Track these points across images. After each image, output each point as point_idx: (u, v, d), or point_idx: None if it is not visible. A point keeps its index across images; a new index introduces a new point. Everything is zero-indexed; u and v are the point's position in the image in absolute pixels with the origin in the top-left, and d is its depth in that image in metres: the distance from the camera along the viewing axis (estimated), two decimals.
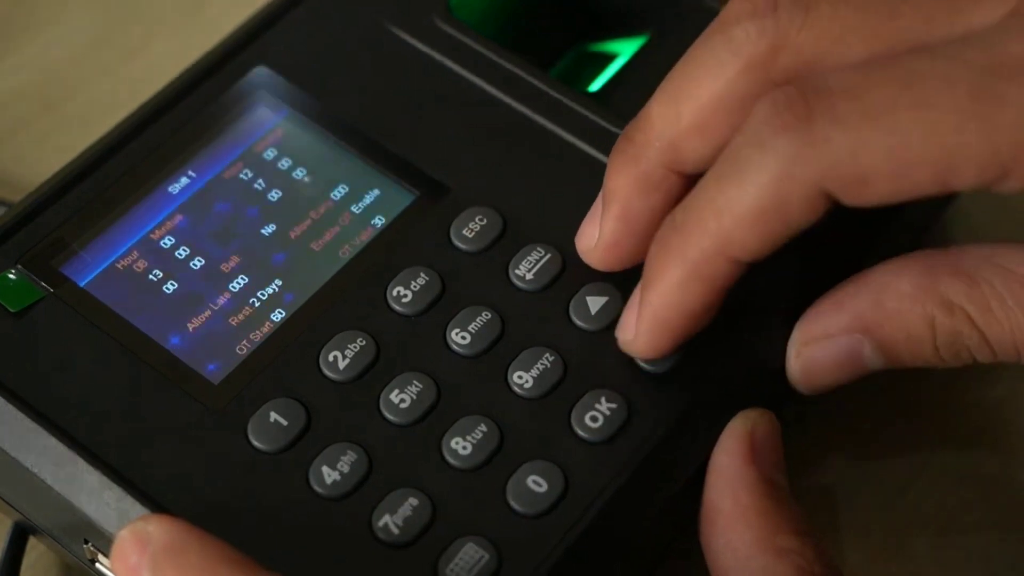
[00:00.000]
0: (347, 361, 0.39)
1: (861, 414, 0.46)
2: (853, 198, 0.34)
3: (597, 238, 0.39)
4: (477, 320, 0.40)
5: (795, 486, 0.39)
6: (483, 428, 0.38)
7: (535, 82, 0.45)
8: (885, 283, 0.38)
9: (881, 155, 0.33)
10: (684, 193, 0.38)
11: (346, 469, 0.38)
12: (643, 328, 0.38)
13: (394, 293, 0.40)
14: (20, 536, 0.42)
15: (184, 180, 0.42)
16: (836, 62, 0.36)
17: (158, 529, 0.33)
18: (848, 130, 0.33)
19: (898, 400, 0.46)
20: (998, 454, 0.45)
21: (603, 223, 0.39)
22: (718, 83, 0.37)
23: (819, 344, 0.39)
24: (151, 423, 0.38)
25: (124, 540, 0.33)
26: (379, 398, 0.39)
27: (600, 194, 0.39)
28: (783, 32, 0.36)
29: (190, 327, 0.40)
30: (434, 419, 0.39)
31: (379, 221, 0.42)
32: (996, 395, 0.46)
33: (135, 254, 0.41)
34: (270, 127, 0.44)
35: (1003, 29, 0.34)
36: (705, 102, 0.37)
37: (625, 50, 0.48)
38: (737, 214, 0.35)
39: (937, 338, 0.37)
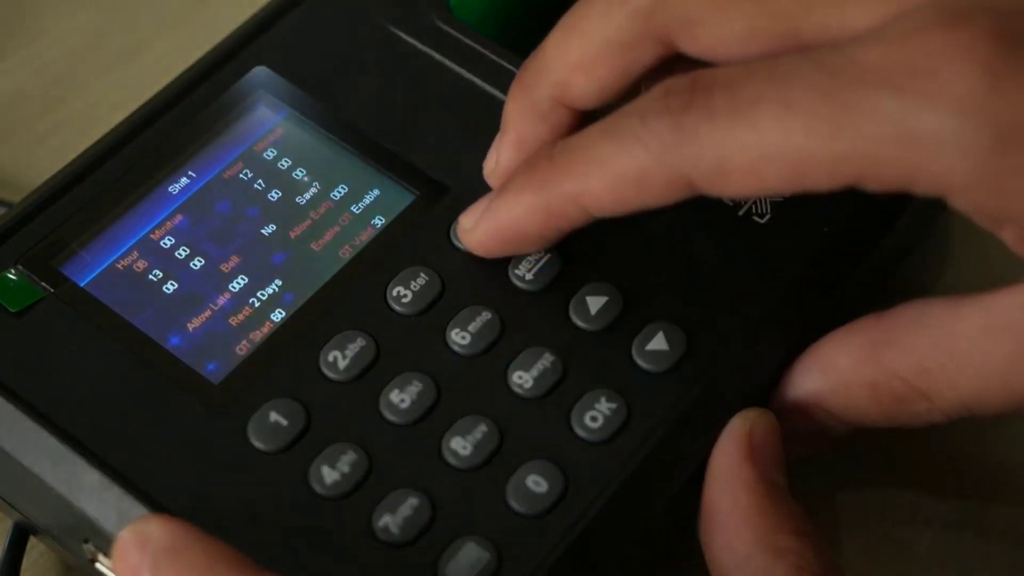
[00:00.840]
0: (347, 361, 0.39)
1: None
2: (713, 189, 0.35)
3: (495, 163, 0.41)
4: (477, 320, 0.40)
5: (795, 485, 0.39)
6: (483, 428, 0.38)
7: None
8: (829, 359, 0.39)
9: (738, 150, 0.34)
10: (575, 126, 0.39)
11: (346, 469, 0.38)
12: (481, 227, 0.40)
13: (394, 293, 0.40)
14: (20, 536, 0.42)
15: (184, 180, 0.42)
16: (717, 27, 0.37)
17: (159, 529, 0.33)
18: (716, 124, 0.35)
19: None
20: (998, 455, 0.45)
21: (500, 149, 0.41)
22: (605, 26, 0.38)
23: (787, 420, 0.40)
24: (151, 423, 0.38)
25: (124, 540, 0.34)
26: (379, 398, 0.39)
27: (512, 178, 0.40)
28: None
29: (190, 327, 0.40)
30: (434, 419, 0.39)
31: (379, 221, 0.42)
32: None
33: (135, 254, 0.41)
34: (270, 127, 0.44)
35: (872, 35, 0.34)
36: (591, 42, 0.38)
37: None
38: (603, 175, 0.36)
39: (882, 405, 0.38)
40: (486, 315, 0.40)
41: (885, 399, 0.38)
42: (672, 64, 0.38)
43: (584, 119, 0.39)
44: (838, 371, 0.39)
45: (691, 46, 0.37)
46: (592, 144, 0.37)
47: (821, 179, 0.34)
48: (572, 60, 0.39)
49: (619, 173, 0.36)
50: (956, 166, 0.33)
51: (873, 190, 0.34)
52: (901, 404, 0.38)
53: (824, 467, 0.45)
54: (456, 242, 0.41)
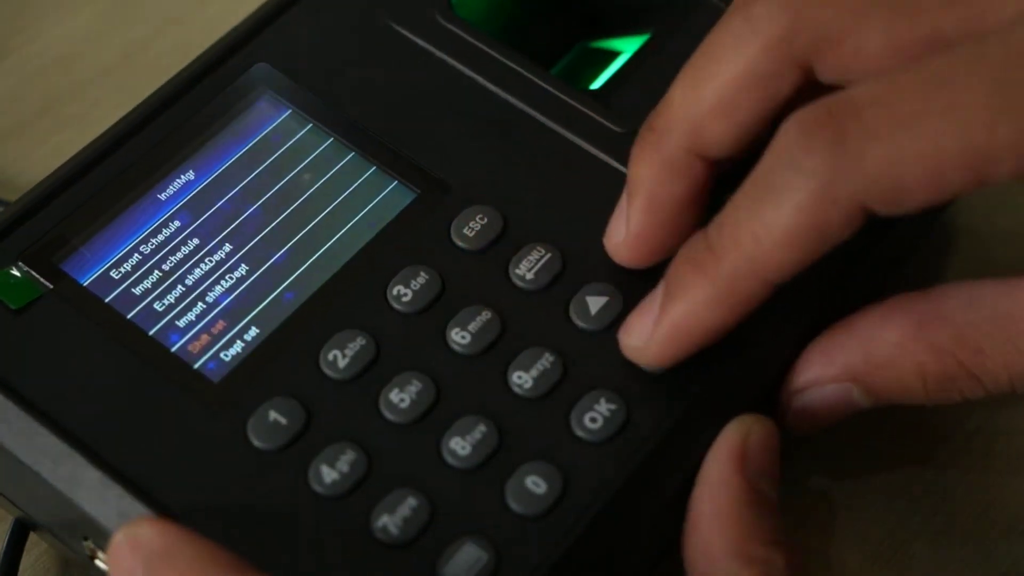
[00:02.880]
0: (347, 360, 0.39)
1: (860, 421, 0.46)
2: (892, 208, 0.34)
3: (624, 232, 0.39)
4: (477, 320, 0.40)
5: (794, 488, 0.39)
6: (482, 428, 0.38)
7: (536, 80, 0.45)
8: (871, 334, 0.38)
9: (917, 163, 0.33)
10: (710, 180, 0.38)
11: (345, 469, 0.37)
12: (659, 339, 0.38)
13: (394, 292, 0.40)
14: (20, 532, 0.42)
15: (185, 178, 0.42)
16: (857, 42, 0.35)
17: (150, 532, 0.33)
18: (882, 142, 0.33)
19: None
20: (998, 459, 0.45)
21: (630, 215, 0.39)
22: (740, 62, 0.37)
23: (809, 392, 0.39)
24: (151, 421, 0.38)
25: (118, 544, 0.34)
26: (379, 397, 0.39)
27: (625, 188, 0.39)
28: (803, 8, 0.36)
29: (190, 325, 0.40)
30: (433, 419, 0.39)
31: (379, 220, 0.42)
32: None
33: (136, 251, 0.41)
34: (271, 124, 0.44)
35: (1020, 21, 0.33)
36: (727, 80, 0.37)
37: (627, 48, 0.48)
38: (776, 237, 0.35)
39: (928, 383, 0.38)
40: (486, 315, 0.40)
41: (932, 377, 0.38)
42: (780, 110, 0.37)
43: (717, 170, 0.38)
44: (883, 346, 0.38)
45: (830, 67, 0.36)
46: (749, 212, 0.35)
47: (1007, 171, 0.33)
48: (706, 104, 0.37)
49: (794, 229, 0.34)
50: None
51: None
52: (948, 382, 0.38)
53: (823, 470, 0.45)
54: (457, 241, 0.41)
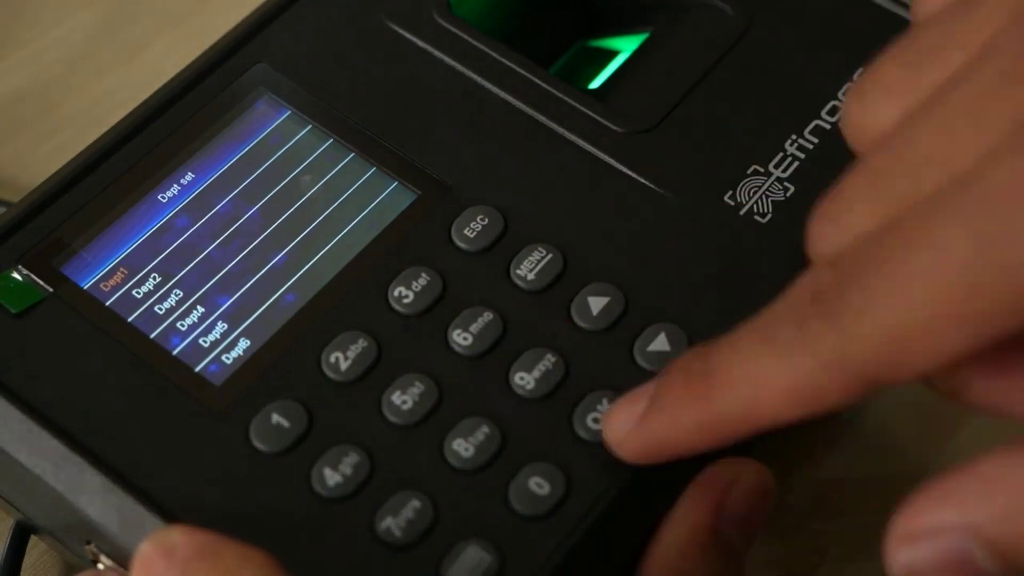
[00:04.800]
0: (348, 362, 0.39)
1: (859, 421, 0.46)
2: (896, 374, 0.31)
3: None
4: (479, 320, 0.40)
5: (795, 488, 0.39)
6: (485, 429, 0.38)
7: (535, 79, 0.45)
8: (999, 475, 0.31)
9: (906, 324, 0.30)
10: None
11: (348, 471, 0.37)
12: (636, 443, 0.36)
13: (395, 293, 0.40)
14: (21, 535, 0.42)
15: (184, 180, 0.42)
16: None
17: (183, 537, 0.33)
18: (876, 310, 0.31)
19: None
20: None
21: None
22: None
23: (921, 544, 0.32)
24: (152, 425, 0.38)
25: (147, 553, 0.33)
26: (381, 399, 0.39)
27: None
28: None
29: (191, 328, 0.40)
30: (436, 420, 0.39)
31: (380, 221, 0.42)
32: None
33: (136, 254, 0.41)
34: (271, 125, 0.44)
35: (986, 158, 0.30)
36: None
37: (626, 47, 0.48)
38: (774, 391, 0.32)
39: None
40: (487, 316, 0.40)
41: None
42: None
43: None
44: (1018, 491, 0.31)
45: None
46: (751, 357, 0.33)
47: (1007, 327, 0.29)
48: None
49: (789, 390, 0.32)
50: None
51: None
52: None
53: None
54: (458, 242, 0.41)
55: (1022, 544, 0.30)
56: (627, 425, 0.36)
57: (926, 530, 0.31)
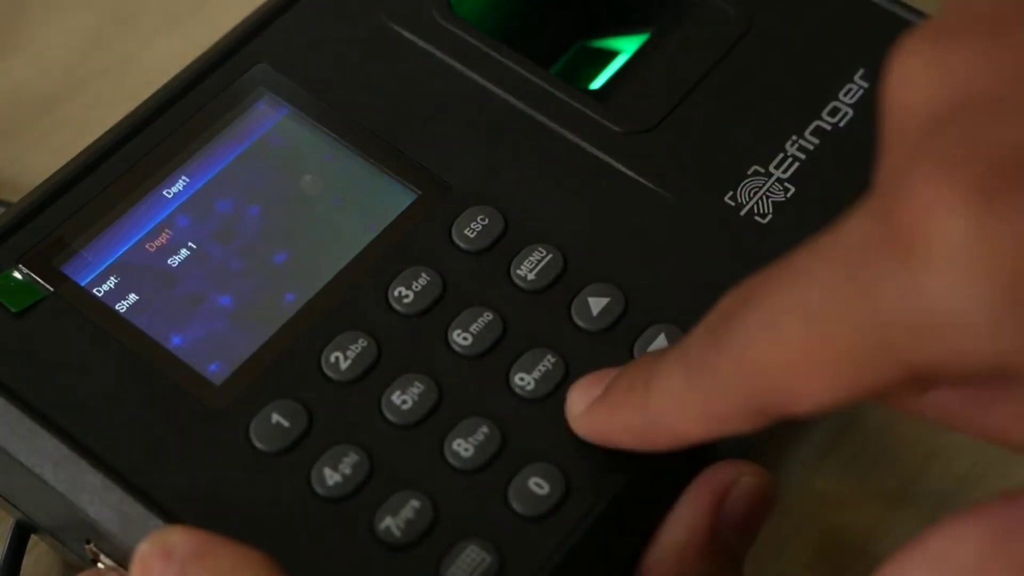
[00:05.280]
0: (348, 362, 0.39)
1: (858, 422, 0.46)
2: (785, 410, 0.31)
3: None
4: (479, 321, 0.40)
5: (792, 487, 0.39)
6: (485, 430, 0.38)
7: (536, 80, 0.45)
8: (946, 551, 0.30)
9: (783, 370, 0.30)
10: None
11: (348, 471, 0.37)
12: (583, 425, 0.38)
13: (395, 293, 0.40)
14: (22, 534, 0.42)
15: (184, 179, 0.42)
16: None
17: (182, 538, 0.33)
18: (753, 347, 0.31)
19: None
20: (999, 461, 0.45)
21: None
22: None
23: None
24: (152, 424, 0.38)
25: (145, 553, 0.33)
26: (381, 399, 0.39)
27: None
28: None
29: (191, 327, 0.40)
30: (436, 420, 0.39)
31: (380, 220, 0.42)
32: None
33: (136, 253, 0.41)
34: (271, 125, 0.44)
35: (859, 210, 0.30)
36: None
37: (626, 47, 0.48)
38: (685, 410, 0.34)
39: None
40: (488, 316, 0.40)
41: None
42: None
43: None
44: (961, 568, 0.30)
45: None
46: (670, 377, 0.34)
47: (874, 380, 0.29)
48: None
49: (696, 410, 0.33)
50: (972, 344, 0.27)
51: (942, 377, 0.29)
52: None
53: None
54: (458, 242, 0.41)
55: None
56: (580, 406, 0.38)
57: None
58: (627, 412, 0.36)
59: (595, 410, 0.37)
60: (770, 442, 0.45)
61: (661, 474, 0.39)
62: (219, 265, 0.41)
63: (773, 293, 0.30)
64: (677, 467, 0.39)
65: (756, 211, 0.42)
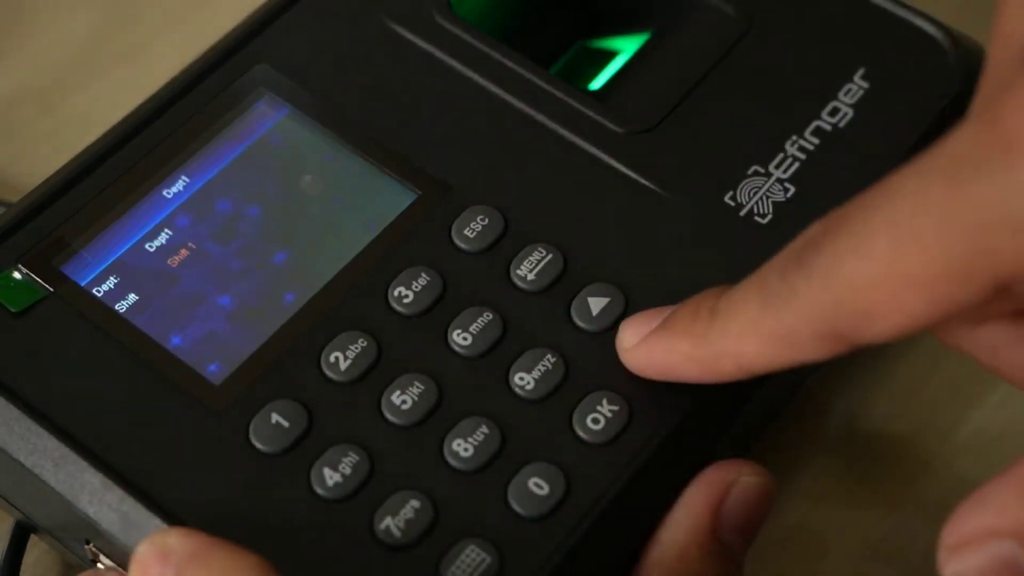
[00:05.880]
0: (348, 362, 0.39)
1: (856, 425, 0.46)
2: (863, 335, 0.32)
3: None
4: (478, 321, 0.40)
5: (793, 485, 0.39)
6: (484, 430, 0.38)
7: (536, 80, 0.45)
8: None
9: (868, 286, 0.31)
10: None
11: (348, 471, 0.37)
12: (637, 355, 0.38)
13: (395, 293, 0.40)
14: (21, 534, 0.42)
15: (184, 179, 0.42)
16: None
17: (179, 540, 0.33)
18: (843, 264, 0.32)
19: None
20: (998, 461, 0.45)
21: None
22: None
23: (968, 551, 0.32)
24: (152, 424, 0.38)
25: (144, 554, 0.33)
26: (380, 399, 0.39)
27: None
28: None
29: (191, 327, 0.40)
30: (435, 421, 0.39)
31: (380, 221, 0.42)
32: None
33: (136, 253, 0.41)
34: (271, 125, 0.44)
35: (954, 132, 0.31)
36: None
37: (627, 47, 0.48)
38: (756, 335, 0.34)
39: None
40: (488, 316, 0.40)
41: None
42: None
43: None
44: None
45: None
46: (745, 303, 0.35)
47: (958, 293, 0.30)
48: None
49: (769, 334, 0.34)
50: None
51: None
52: None
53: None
54: (458, 242, 0.41)
55: None
56: (636, 337, 0.38)
57: (970, 538, 0.32)
58: (690, 341, 0.36)
59: (653, 340, 0.38)
60: (770, 442, 0.45)
61: (661, 475, 0.39)
62: (219, 265, 0.41)
63: (864, 214, 0.31)
64: (679, 468, 0.39)
65: (756, 211, 0.42)
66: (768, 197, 0.43)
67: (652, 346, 0.38)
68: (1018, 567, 0.31)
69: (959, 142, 0.30)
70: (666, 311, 0.38)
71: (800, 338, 0.33)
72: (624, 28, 0.49)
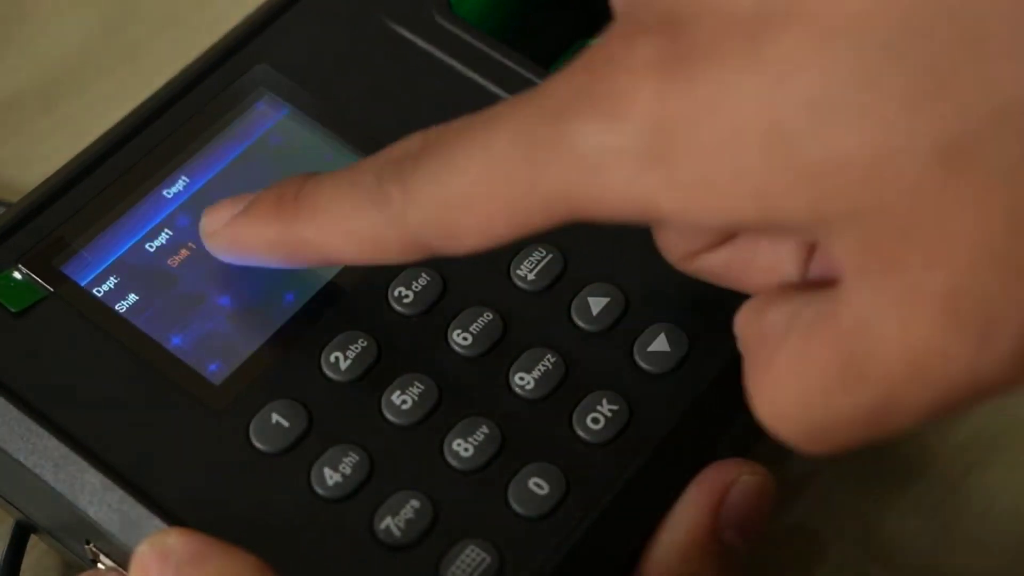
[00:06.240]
0: (348, 362, 0.39)
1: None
2: (449, 250, 0.34)
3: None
4: (479, 321, 0.40)
5: (791, 486, 0.39)
6: (485, 430, 0.38)
7: (536, 79, 0.45)
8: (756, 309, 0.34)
9: (457, 207, 0.33)
10: None
11: (348, 471, 0.38)
12: (221, 240, 0.38)
13: (396, 293, 0.40)
14: (21, 534, 0.42)
15: (184, 179, 0.42)
16: None
17: (179, 541, 0.34)
18: (433, 185, 0.33)
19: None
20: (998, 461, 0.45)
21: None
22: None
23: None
24: (152, 424, 0.38)
25: (144, 555, 0.34)
26: (381, 399, 0.39)
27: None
28: None
29: (191, 327, 0.40)
30: (436, 420, 0.39)
31: None
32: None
33: (136, 253, 0.41)
34: (271, 125, 0.44)
35: (563, 68, 0.32)
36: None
37: None
38: (342, 230, 0.35)
39: None
40: (488, 316, 0.40)
41: None
42: None
43: None
44: None
45: None
46: (337, 196, 0.35)
47: (539, 222, 0.32)
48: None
49: (356, 233, 0.35)
50: (645, 178, 0.30)
51: (595, 220, 0.32)
52: None
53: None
54: None
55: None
56: (220, 222, 0.38)
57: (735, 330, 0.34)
58: (276, 228, 0.37)
59: (238, 223, 0.38)
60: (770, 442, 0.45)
61: (661, 474, 0.39)
62: (219, 265, 0.41)
63: (462, 136, 0.33)
64: (677, 468, 0.39)
65: None
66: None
67: (237, 230, 0.38)
68: None
69: (559, 83, 0.31)
70: (246, 197, 0.38)
71: (386, 244, 0.34)
72: None
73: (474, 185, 0.32)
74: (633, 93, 0.29)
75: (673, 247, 0.37)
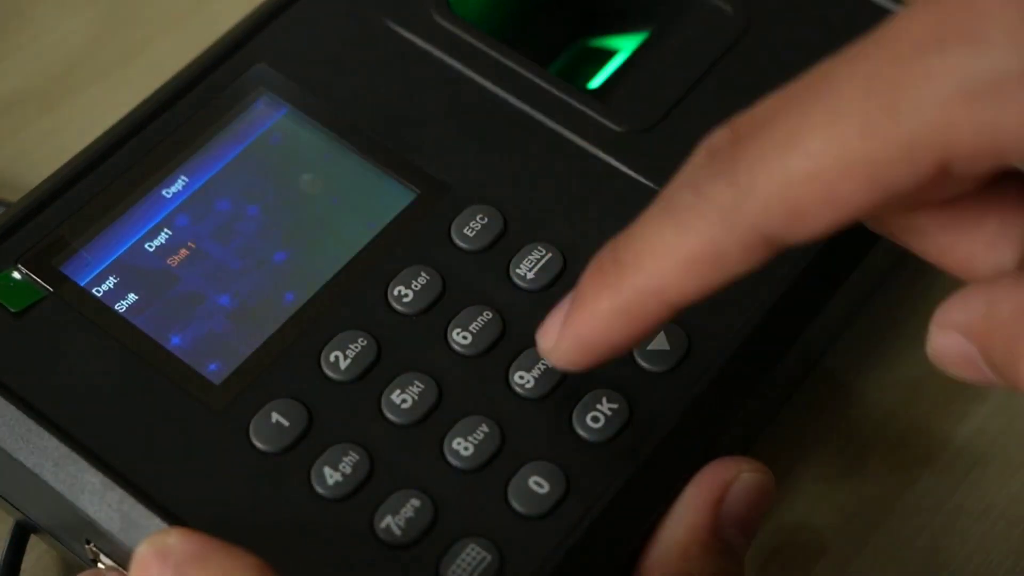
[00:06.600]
0: (348, 361, 0.39)
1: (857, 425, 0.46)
2: (795, 235, 0.32)
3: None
4: (478, 320, 0.40)
5: (791, 484, 0.39)
6: (484, 428, 0.38)
7: (535, 79, 0.45)
8: (1002, 292, 0.32)
9: (803, 182, 0.31)
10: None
11: (348, 470, 0.37)
12: (564, 345, 0.36)
13: (395, 292, 0.40)
14: (21, 535, 0.42)
15: (184, 178, 0.42)
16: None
17: (179, 540, 0.33)
18: (770, 165, 0.31)
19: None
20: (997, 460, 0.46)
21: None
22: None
23: (944, 334, 0.33)
24: (152, 424, 0.38)
25: (144, 554, 0.33)
26: (380, 398, 0.39)
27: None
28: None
29: (191, 327, 0.40)
30: (435, 419, 0.39)
31: (379, 220, 0.42)
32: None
33: (135, 253, 0.41)
34: (270, 125, 0.44)
35: (888, 20, 0.31)
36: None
37: (625, 46, 0.48)
38: (676, 261, 0.33)
39: None
40: (487, 315, 0.40)
41: None
42: None
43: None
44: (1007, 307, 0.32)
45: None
46: (654, 231, 0.33)
47: (901, 176, 0.30)
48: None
49: (689, 255, 0.32)
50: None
51: (967, 170, 0.30)
52: None
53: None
54: (458, 241, 0.41)
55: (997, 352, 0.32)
56: (554, 332, 0.36)
57: (948, 324, 0.33)
58: (605, 298, 0.34)
59: (571, 319, 0.35)
60: (770, 442, 0.45)
61: (661, 474, 0.39)
62: (219, 265, 0.41)
63: (795, 108, 0.31)
64: (679, 465, 0.39)
65: None
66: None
67: (573, 326, 0.35)
68: (977, 365, 0.32)
69: (908, 22, 0.30)
70: (568, 297, 0.36)
71: (725, 251, 0.32)
72: (623, 27, 0.49)
73: (823, 150, 0.30)
74: (1000, 14, 0.28)
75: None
